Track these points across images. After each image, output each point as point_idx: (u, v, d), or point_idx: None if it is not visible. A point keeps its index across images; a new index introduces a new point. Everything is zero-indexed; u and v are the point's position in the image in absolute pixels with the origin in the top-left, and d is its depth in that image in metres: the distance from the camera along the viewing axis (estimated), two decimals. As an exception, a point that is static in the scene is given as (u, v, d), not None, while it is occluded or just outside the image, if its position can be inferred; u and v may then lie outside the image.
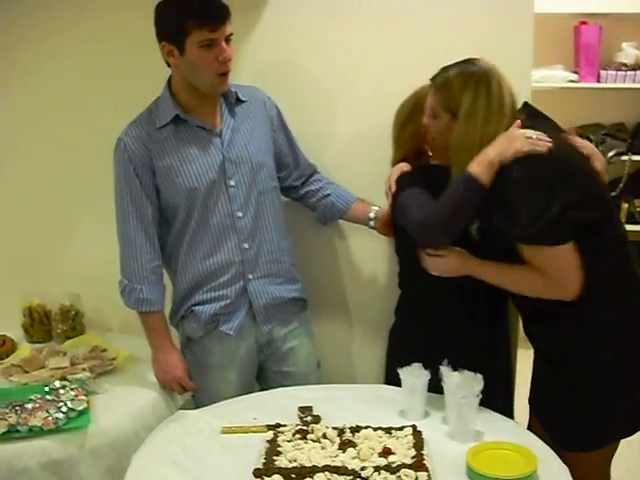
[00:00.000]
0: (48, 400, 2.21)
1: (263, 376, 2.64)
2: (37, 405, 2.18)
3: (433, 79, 2.22)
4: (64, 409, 2.17)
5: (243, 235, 2.45)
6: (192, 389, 2.51)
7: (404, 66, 2.69)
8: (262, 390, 2.58)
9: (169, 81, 2.45)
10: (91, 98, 2.90)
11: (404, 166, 2.48)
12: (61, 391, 2.26)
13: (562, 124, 4.55)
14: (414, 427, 2.05)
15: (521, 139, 2.05)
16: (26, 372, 2.54)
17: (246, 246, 2.46)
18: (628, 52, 4.40)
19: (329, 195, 2.68)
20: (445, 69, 2.20)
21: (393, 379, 2.32)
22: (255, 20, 2.75)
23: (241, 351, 2.52)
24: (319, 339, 2.74)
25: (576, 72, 4.49)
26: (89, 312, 2.99)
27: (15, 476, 2.08)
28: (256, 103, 2.55)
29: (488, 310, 2.42)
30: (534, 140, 2.05)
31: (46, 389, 2.28)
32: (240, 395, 2.44)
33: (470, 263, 2.22)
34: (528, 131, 2.07)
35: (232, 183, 2.43)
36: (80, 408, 2.20)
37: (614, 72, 4.40)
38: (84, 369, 2.48)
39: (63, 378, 2.38)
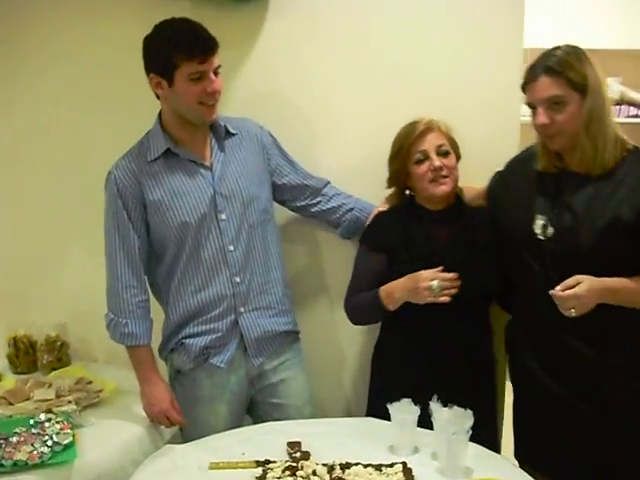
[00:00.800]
0: (33, 433, 2.19)
1: (255, 409, 2.62)
2: (22, 439, 2.16)
3: (542, 72, 2.12)
4: (49, 443, 2.15)
5: (235, 269, 2.45)
6: (179, 422, 2.48)
7: (392, 99, 2.73)
8: (255, 423, 2.55)
9: (160, 114, 2.46)
10: (82, 131, 2.91)
11: (386, 202, 2.60)
12: (46, 424, 2.24)
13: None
14: (404, 464, 2.04)
15: (423, 293, 2.28)
16: (10, 404, 2.50)
17: (237, 280, 2.45)
18: (613, 87, 4.43)
19: (352, 209, 2.69)
20: (546, 57, 2.14)
21: (374, 411, 2.40)
22: (244, 55, 2.77)
23: (231, 384, 2.50)
24: (311, 371, 2.72)
25: (562, 106, 4.54)
26: (75, 343, 2.97)
27: (-1, 512, 2.05)
28: (247, 135, 2.56)
29: (465, 344, 2.44)
30: (436, 293, 2.27)
31: (31, 422, 2.26)
32: (230, 429, 2.42)
33: (606, 286, 2.11)
34: (434, 283, 2.26)
35: (223, 217, 2.43)
36: (66, 442, 2.17)
37: (599, 107, 4.45)
38: (70, 401, 2.45)
39: (48, 410, 2.36)
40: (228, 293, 2.45)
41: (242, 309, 2.47)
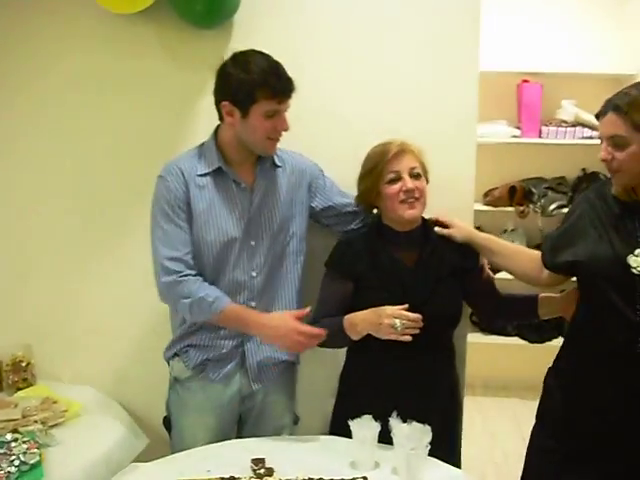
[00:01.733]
0: (0, 453, 2.20)
1: (239, 427, 2.67)
2: (-12, 459, 2.17)
3: (610, 109, 2.09)
4: (16, 462, 2.17)
5: (252, 293, 2.50)
6: (313, 332, 2.39)
7: (350, 123, 2.79)
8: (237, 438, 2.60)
9: (216, 131, 2.52)
10: (52, 152, 2.94)
11: None
12: (13, 444, 2.26)
13: (505, 177, 4.77)
14: (365, 479, 2.09)
15: (386, 328, 2.28)
16: (-24, 424, 2.51)
17: (253, 304, 2.50)
18: (568, 109, 4.57)
19: None
20: (620, 94, 2.10)
21: (336, 431, 2.43)
22: (207, 79, 2.74)
23: (224, 398, 2.55)
24: (302, 393, 2.78)
25: (519, 128, 4.65)
26: (40, 362, 2.97)
27: (-35, 532, 2.07)
28: (292, 168, 2.60)
29: (430, 369, 2.45)
30: (398, 331, 2.26)
31: (-3, 442, 2.27)
32: (218, 442, 2.47)
33: None
34: (397, 321, 2.26)
35: (252, 243, 2.50)
36: (32, 461, 2.19)
37: (555, 128, 4.57)
38: (36, 421, 2.47)
39: (15, 430, 2.38)
40: None
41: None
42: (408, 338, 2.28)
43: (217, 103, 2.44)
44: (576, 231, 2.27)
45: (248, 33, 2.79)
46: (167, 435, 2.65)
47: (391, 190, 2.42)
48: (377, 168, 2.44)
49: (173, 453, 2.48)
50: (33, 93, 2.91)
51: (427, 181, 2.50)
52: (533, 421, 2.40)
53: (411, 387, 2.40)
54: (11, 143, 2.97)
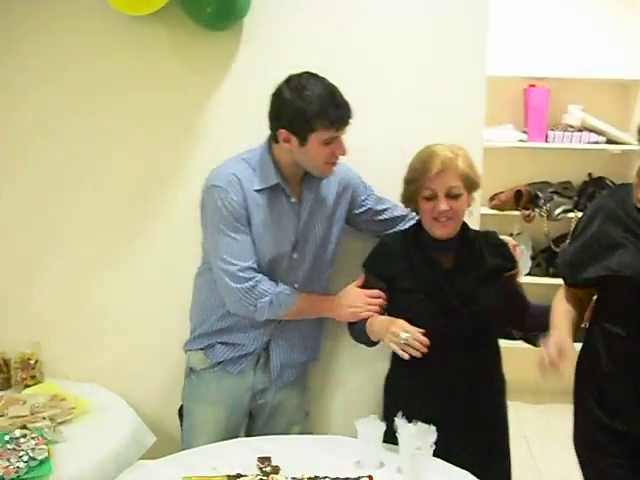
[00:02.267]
0: (9, 449, 2.23)
1: (249, 423, 2.70)
2: (-2, 454, 2.19)
3: None
4: (25, 458, 2.19)
5: None
6: (374, 292, 2.46)
7: (358, 125, 2.75)
8: (247, 436, 2.63)
9: (269, 145, 2.48)
10: (63, 140, 2.96)
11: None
12: (22, 440, 2.29)
13: (511, 181, 4.77)
14: (370, 477, 2.11)
15: (395, 335, 2.26)
16: (-15, 421, 2.53)
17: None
18: (574, 114, 4.57)
19: None
20: None
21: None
22: (218, 80, 2.85)
23: (236, 392, 2.59)
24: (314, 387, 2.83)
25: (525, 132, 4.65)
26: (47, 360, 2.99)
27: (-26, 527, 2.08)
28: (336, 180, 2.59)
29: (477, 373, 2.41)
30: (400, 342, 2.24)
31: (6, 438, 2.30)
32: (228, 436, 2.51)
33: None
34: (402, 334, 2.24)
35: (295, 256, 2.51)
36: (41, 457, 2.22)
37: (561, 133, 4.57)
38: (44, 418, 2.49)
39: (23, 427, 2.40)
40: (275, 320, 2.53)
41: (277, 333, 2.56)
42: (405, 355, 2.25)
43: (273, 128, 2.41)
44: (601, 243, 2.21)
45: (258, 35, 2.81)
46: (174, 433, 2.67)
47: (426, 206, 2.39)
48: (417, 181, 2.38)
49: (184, 442, 2.53)
50: (46, 94, 2.93)
51: (477, 187, 2.44)
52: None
53: (453, 389, 2.37)
54: (23, 142, 2.99)
